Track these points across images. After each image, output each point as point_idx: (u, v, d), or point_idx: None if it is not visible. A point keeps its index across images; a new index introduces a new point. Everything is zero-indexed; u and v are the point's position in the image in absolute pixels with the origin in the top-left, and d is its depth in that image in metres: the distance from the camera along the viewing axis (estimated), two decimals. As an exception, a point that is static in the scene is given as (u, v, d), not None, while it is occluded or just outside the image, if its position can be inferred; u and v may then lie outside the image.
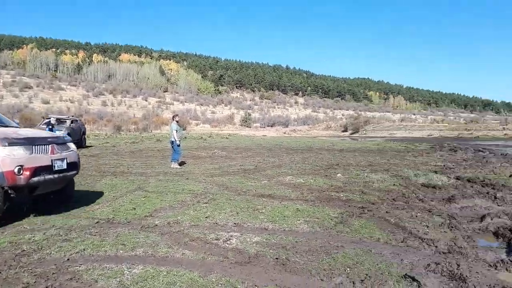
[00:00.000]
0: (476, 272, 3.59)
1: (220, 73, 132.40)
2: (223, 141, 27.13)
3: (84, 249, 4.11)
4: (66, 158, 5.82)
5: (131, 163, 12.60)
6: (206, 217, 5.53)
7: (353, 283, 3.33)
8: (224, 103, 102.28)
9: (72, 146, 6.26)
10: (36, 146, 5.37)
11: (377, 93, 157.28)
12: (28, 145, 5.25)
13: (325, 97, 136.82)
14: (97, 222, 5.25)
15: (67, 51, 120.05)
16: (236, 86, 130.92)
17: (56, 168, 5.56)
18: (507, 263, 3.90)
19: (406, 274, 3.46)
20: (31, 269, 3.55)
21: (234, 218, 5.49)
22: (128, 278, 3.40)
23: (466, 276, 3.40)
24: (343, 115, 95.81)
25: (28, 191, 5.34)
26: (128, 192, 7.44)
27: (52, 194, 6.03)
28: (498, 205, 6.77)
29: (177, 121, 12.03)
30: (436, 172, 10.63)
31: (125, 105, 78.68)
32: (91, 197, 6.93)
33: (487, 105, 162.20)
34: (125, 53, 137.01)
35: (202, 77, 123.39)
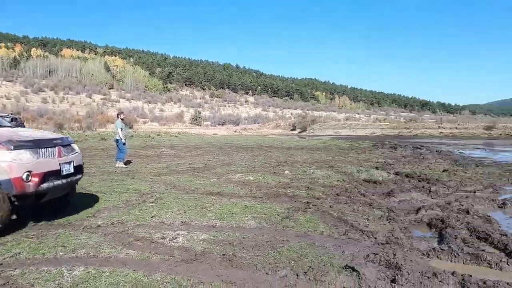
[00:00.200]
0: (411, 260, 3.84)
1: (168, 70, 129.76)
2: (172, 140, 26.65)
3: (19, 253, 3.89)
4: (73, 161, 5.37)
5: (72, 162, 11.99)
6: (152, 217, 5.42)
7: (297, 275, 3.43)
8: (173, 101, 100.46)
9: (76, 148, 5.71)
10: (43, 149, 4.87)
11: (324, 93, 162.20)
12: (35, 148, 4.73)
13: (275, 96, 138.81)
14: (34, 225, 4.97)
15: (2, 44, 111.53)
16: (185, 84, 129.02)
17: (64, 173, 5.10)
18: (438, 251, 4.20)
19: (347, 265, 3.63)
20: (-43, 277, 3.29)
21: (181, 217, 5.43)
22: (68, 280, 3.26)
23: (401, 264, 3.62)
24: (291, 114, 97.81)
25: (35, 199, 4.83)
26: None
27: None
28: (432, 198, 7.26)
29: (122, 119, 11.65)
30: (377, 168, 11.17)
31: (68, 102, 74.79)
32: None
33: (424, 105, 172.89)
34: (67, 48, 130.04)
35: (149, 74, 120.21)
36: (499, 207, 6.61)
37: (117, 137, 11.28)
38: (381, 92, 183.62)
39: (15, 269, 3.48)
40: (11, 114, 21.88)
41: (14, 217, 4.57)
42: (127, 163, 11.83)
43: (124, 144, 11.34)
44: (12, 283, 3.19)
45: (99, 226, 4.92)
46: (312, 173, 9.97)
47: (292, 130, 60.55)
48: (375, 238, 4.57)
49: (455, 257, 4.05)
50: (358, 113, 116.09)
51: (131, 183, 8.25)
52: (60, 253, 3.90)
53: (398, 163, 12.81)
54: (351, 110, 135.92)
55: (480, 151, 20.19)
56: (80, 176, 5.67)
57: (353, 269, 3.48)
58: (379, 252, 3.97)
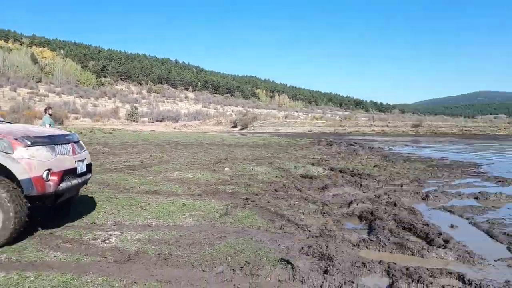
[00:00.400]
0: (342, 251, 4.02)
1: (103, 63, 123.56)
2: (106, 136, 25.47)
3: None
4: (85, 159, 4.99)
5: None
6: (82, 217, 5.14)
7: (233, 270, 3.44)
8: (108, 95, 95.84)
9: (83, 144, 5.26)
10: (59, 146, 4.46)
11: (264, 91, 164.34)
12: (51, 145, 4.33)
13: (215, 93, 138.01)
14: None
15: None
16: (121, 78, 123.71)
17: (79, 171, 4.72)
18: (367, 241, 4.44)
19: (282, 258, 3.71)
20: None
21: (115, 217, 5.21)
22: (-16, 289, 2.99)
23: (333, 255, 3.77)
24: (232, 111, 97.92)
25: (52, 200, 4.43)
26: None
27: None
28: (363, 192, 7.67)
29: (50, 114, 10.94)
30: (313, 164, 11.56)
31: (-12, 96, 68.49)
32: None
33: (358, 104, 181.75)
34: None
35: (82, 67, 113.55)
36: (422, 199, 7.14)
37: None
38: (319, 91, 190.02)
39: None
40: None
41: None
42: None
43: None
44: None
45: (23, 229, 4.56)
46: (252, 169, 10.06)
47: (233, 127, 60.70)
48: (310, 231, 4.73)
49: (383, 246, 4.31)
50: (297, 111, 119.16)
51: (61, 182, 7.75)
52: (-24, 260, 3.57)
53: (333, 159, 13.35)
54: (290, 108, 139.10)
55: (408, 147, 21.67)
56: (90, 175, 5.26)
57: (288, 262, 3.57)
58: (313, 244, 4.11)
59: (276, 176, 9.08)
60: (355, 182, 8.55)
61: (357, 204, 6.37)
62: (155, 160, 12.01)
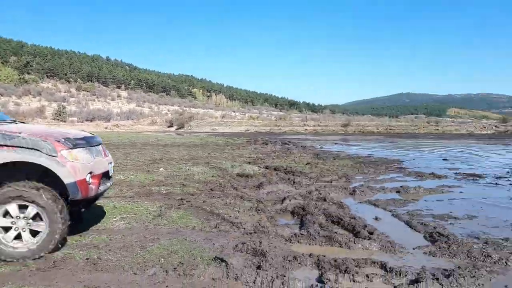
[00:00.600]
0: (275, 246, 4.14)
1: (26, 59, 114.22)
2: (29, 137, 23.59)
3: None
4: (112, 161, 4.86)
5: None
6: (0, 224, 4.73)
7: (166, 272, 3.40)
8: (32, 94, 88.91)
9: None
10: (94, 148, 4.32)
11: (201, 90, 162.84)
12: (89, 147, 4.19)
13: (150, 92, 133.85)
14: None
15: None
16: (47, 76, 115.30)
17: (110, 174, 4.62)
18: (298, 236, 4.61)
19: (216, 256, 3.73)
20: None
21: (38, 222, 4.87)
22: None
23: (266, 251, 3.87)
24: (168, 110, 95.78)
25: (87, 204, 4.36)
26: None
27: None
28: (296, 189, 7.93)
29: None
30: (249, 163, 11.71)
31: None
32: None
33: (292, 105, 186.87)
34: None
35: (2, 63, 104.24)
36: (350, 194, 7.55)
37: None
38: (255, 92, 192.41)
39: None
40: None
41: None
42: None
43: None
44: None
45: None
46: (188, 169, 9.94)
47: (169, 126, 59.38)
48: (244, 228, 4.80)
49: (313, 240, 4.50)
50: (234, 111, 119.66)
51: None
52: None
53: (268, 158, 13.63)
54: (227, 108, 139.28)
55: (337, 146, 22.76)
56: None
57: (222, 260, 3.59)
58: (247, 241, 4.18)
59: (213, 176, 9.07)
60: (289, 179, 8.80)
61: (290, 201, 6.57)
62: (84, 162, 11.38)
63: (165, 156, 13.57)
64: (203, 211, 5.66)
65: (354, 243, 4.42)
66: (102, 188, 4.30)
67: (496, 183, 8.97)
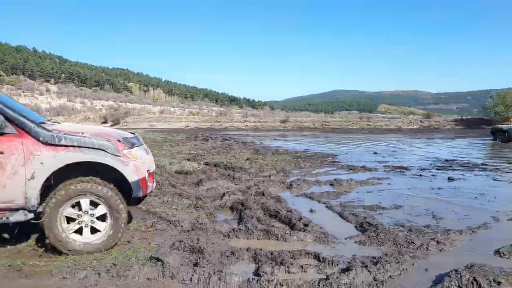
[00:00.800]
0: (213, 243, 4.13)
1: None
2: None
3: None
4: None
5: None
6: None
7: (99, 274, 3.26)
8: None
9: None
10: (143, 146, 4.39)
11: (137, 84, 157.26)
12: (141, 146, 4.31)
13: (82, 86, 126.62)
14: None
15: None
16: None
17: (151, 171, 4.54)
18: (236, 231, 4.65)
19: (151, 256, 3.64)
20: None
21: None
22: None
23: (204, 248, 3.86)
24: (102, 105, 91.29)
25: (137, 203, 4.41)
26: None
27: None
28: (236, 184, 7.97)
29: None
30: (189, 159, 11.56)
31: None
32: None
33: (233, 101, 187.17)
34: None
35: None
36: (287, 188, 7.75)
37: None
38: (195, 87, 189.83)
39: None
40: None
41: None
42: None
43: None
44: None
45: None
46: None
47: (103, 123, 56.67)
48: (182, 226, 4.74)
49: (251, 234, 4.56)
50: (173, 107, 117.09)
51: None
52: None
53: (208, 154, 13.54)
54: (166, 103, 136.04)
55: (276, 141, 23.19)
56: None
57: (158, 259, 3.53)
58: (184, 239, 4.14)
59: (149, 173, 8.81)
60: (229, 175, 8.82)
61: (229, 196, 6.59)
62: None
63: (99, 153, 12.94)
64: (139, 210, 5.50)
65: (290, 235, 4.55)
66: (154, 185, 4.53)
67: (420, 175, 9.69)
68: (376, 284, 3.28)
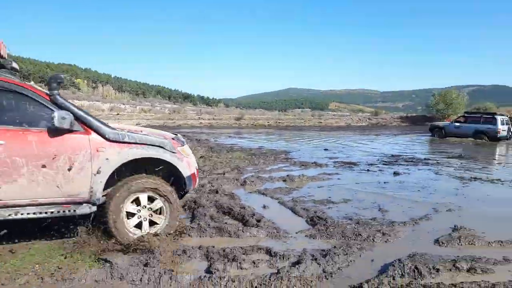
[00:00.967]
0: (164, 242, 4.05)
1: None
2: None
3: None
4: None
5: None
6: None
7: (42, 279, 3.12)
8: None
9: None
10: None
11: (85, 81, 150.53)
12: (185, 144, 4.65)
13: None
14: None
15: None
16: None
17: None
18: (189, 229, 4.60)
19: (99, 257, 3.53)
20: None
21: None
22: None
23: (155, 248, 3.78)
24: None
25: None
26: None
27: None
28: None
29: None
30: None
31: None
32: None
33: (186, 98, 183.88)
34: None
35: None
36: (241, 185, 7.78)
37: None
38: (146, 83, 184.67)
39: None
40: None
41: None
42: None
43: None
44: None
45: None
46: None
47: (47, 120, 53.76)
48: (132, 226, 4.61)
49: (203, 232, 4.54)
50: (124, 104, 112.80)
51: None
52: None
53: (160, 152, 13.26)
54: (116, 100, 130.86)
55: (231, 138, 23.18)
56: None
57: (106, 260, 3.42)
58: (135, 239, 4.02)
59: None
60: (181, 173, 8.69)
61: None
62: None
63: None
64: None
65: (243, 231, 4.58)
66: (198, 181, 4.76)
67: (368, 170, 10.11)
68: (325, 276, 3.39)
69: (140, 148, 3.96)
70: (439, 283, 3.17)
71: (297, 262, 3.57)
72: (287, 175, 8.66)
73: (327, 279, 3.35)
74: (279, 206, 6.16)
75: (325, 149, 15.84)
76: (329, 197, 6.69)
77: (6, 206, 3.49)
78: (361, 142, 20.49)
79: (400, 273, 3.41)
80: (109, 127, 3.91)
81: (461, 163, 11.81)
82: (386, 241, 4.47)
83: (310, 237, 4.55)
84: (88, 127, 3.78)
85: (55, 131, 3.59)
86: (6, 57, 4.16)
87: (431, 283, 3.20)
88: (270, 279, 3.20)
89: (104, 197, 3.94)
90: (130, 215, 4.00)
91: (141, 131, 4.10)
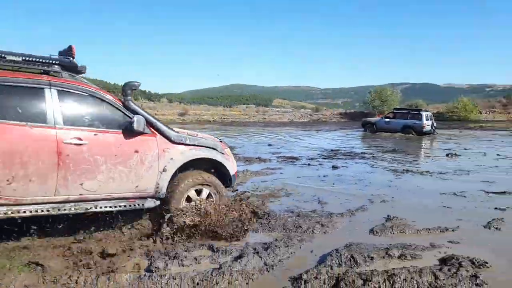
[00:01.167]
0: (102, 242, 3.92)
1: None
2: None
3: None
4: None
5: None
6: None
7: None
8: None
9: None
10: None
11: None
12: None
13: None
14: None
15: None
16: None
17: None
18: (130, 228, 4.47)
19: (30, 261, 3.32)
20: None
21: None
22: None
23: (92, 248, 3.64)
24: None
25: None
26: None
27: None
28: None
29: None
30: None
31: None
32: None
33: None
34: None
35: None
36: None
37: None
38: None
39: None
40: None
41: None
42: None
43: None
44: None
45: None
46: None
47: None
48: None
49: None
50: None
51: None
52: None
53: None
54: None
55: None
56: None
57: (37, 264, 3.23)
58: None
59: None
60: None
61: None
62: None
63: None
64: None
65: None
66: None
67: (309, 164, 10.45)
68: (267, 268, 3.46)
69: (199, 149, 4.45)
70: (373, 270, 3.36)
71: (239, 257, 3.61)
72: (231, 171, 8.68)
73: (268, 271, 3.42)
74: (223, 201, 6.16)
75: (269, 145, 16.12)
76: (272, 191, 6.82)
77: (87, 200, 3.80)
78: (303, 137, 21.11)
79: (338, 262, 3.57)
80: (173, 130, 4.30)
81: (394, 156, 12.59)
82: (325, 232, 4.66)
83: (253, 230, 4.61)
84: (155, 130, 4.15)
85: (129, 133, 3.92)
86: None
87: (365, 270, 3.38)
88: (212, 275, 3.20)
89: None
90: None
91: (197, 135, 4.64)
